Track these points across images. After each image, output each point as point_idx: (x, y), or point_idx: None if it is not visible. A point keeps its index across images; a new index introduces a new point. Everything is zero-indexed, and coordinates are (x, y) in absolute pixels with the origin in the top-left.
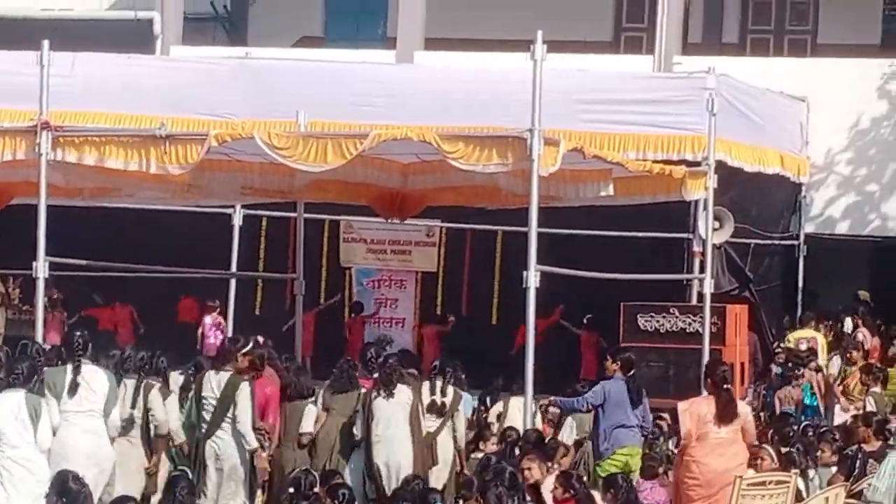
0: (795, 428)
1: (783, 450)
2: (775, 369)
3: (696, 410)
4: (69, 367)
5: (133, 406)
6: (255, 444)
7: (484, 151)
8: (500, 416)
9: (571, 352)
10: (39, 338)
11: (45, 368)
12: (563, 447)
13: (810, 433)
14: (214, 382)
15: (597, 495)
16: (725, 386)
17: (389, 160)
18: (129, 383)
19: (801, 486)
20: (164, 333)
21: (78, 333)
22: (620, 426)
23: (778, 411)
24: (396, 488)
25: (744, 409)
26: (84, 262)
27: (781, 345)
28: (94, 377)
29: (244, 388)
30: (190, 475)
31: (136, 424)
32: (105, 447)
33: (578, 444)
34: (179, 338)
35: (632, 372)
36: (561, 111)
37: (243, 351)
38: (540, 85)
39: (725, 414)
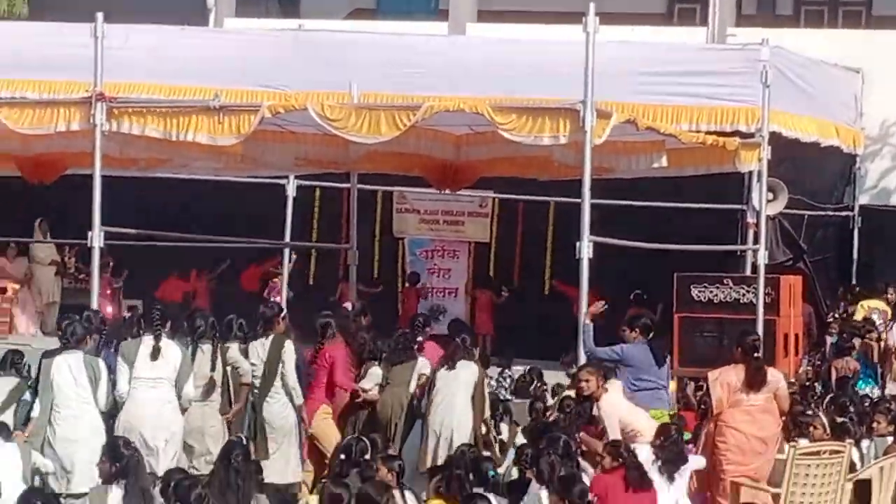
0: (853, 397)
1: (838, 419)
2: (830, 340)
3: (725, 379)
4: (145, 339)
5: (213, 369)
6: (300, 400)
7: (536, 123)
8: (556, 388)
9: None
10: (94, 305)
11: (123, 342)
12: None
13: (866, 403)
14: (260, 348)
15: None
16: (755, 354)
17: (442, 132)
18: (207, 349)
19: (856, 456)
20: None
21: (158, 308)
22: (646, 389)
23: (833, 381)
24: (449, 455)
25: (775, 376)
26: (138, 231)
27: (837, 314)
28: (169, 350)
29: (289, 346)
30: (245, 441)
31: (217, 390)
32: (171, 413)
33: None
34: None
35: (651, 335)
36: (614, 83)
37: (281, 315)
38: (592, 57)
39: (755, 381)
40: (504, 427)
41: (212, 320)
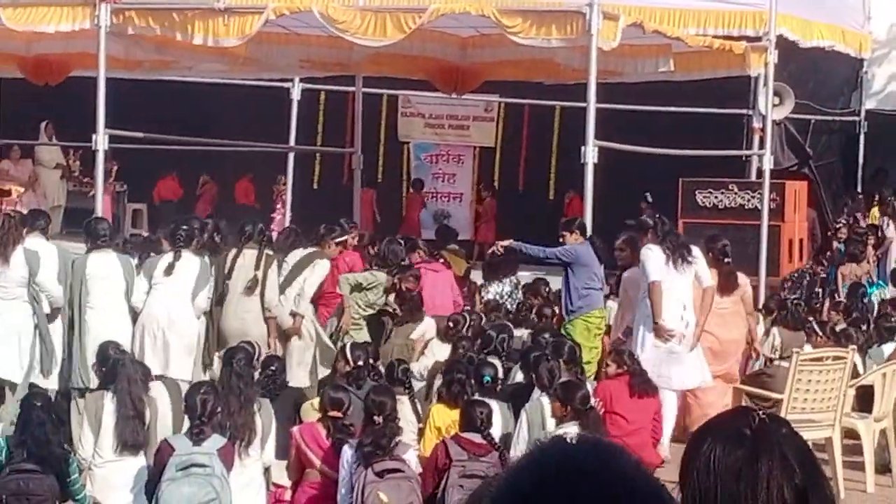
0: (858, 303)
1: (838, 327)
2: (836, 245)
3: None
4: (169, 255)
5: (257, 268)
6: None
7: (543, 26)
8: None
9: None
10: (99, 210)
11: (147, 259)
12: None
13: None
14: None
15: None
16: (726, 259)
17: (448, 34)
18: (251, 253)
19: (859, 361)
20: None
21: (184, 227)
22: (594, 289)
23: (840, 288)
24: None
25: (743, 280)
26: (143, 134)
27: (843, 220)
28: (189, 263)
29: (321, 264)
30: (250, 348)
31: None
32: (183, 317)
33: None
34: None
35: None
36: None
37: (337, 240)
38: None
39: (727, 286)
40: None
41: (260, 226)
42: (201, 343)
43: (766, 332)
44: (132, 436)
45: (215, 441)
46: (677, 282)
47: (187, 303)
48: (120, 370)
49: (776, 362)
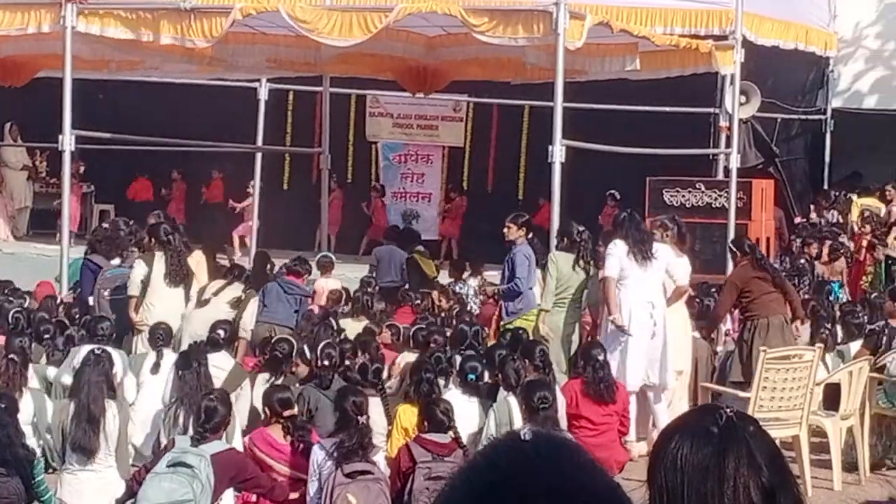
0: (825, 302)
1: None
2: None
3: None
4: (152, 354)
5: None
6: None
7: (510, 25)
8: None
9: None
10: (65, 211)
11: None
12: None
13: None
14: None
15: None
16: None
17: (415, 33)
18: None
19: (829, 360)
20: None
21: (163, 327)
22: (531, 288)
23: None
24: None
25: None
26: (109, 135)
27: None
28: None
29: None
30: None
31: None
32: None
33: None
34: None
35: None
36: None
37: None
38: None
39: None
40: None
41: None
42: None
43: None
44: (83, 438)
45: (214, 446)
46: (642, 277)
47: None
48: (81, 375)
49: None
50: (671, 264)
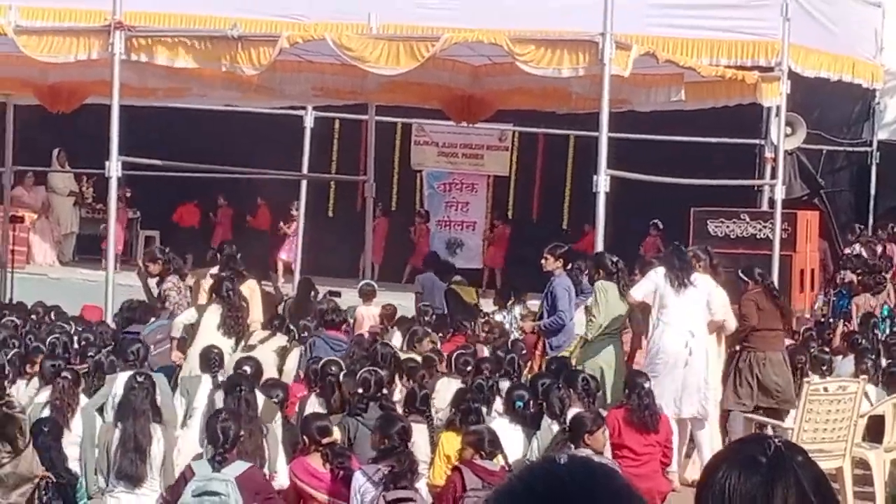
0: (869, 334)
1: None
2: (848, 276)
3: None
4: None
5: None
6: None
7: (555, 55)
8: None
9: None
10: (111, 237)
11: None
12: None
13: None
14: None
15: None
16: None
17: (461, 62)
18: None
19: (872, 392)
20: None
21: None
22: (571, 319)
23: (855, 317)
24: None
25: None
26: (157, 161)
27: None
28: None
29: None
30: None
31: None
32: None
33: None
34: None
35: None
36: (633, 15)
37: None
38: None
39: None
40: None
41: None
42: None
43: None
44: (130, 468)
45: (236, 468)
46: (679, 305)
47: None
48: (127, 403)
49: None
50: (711, 294)
